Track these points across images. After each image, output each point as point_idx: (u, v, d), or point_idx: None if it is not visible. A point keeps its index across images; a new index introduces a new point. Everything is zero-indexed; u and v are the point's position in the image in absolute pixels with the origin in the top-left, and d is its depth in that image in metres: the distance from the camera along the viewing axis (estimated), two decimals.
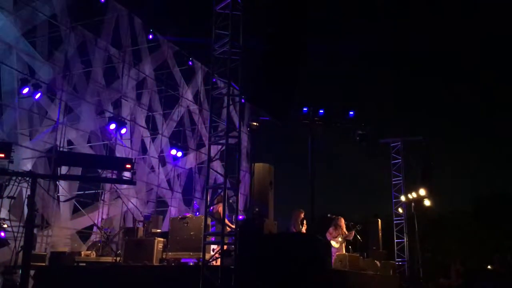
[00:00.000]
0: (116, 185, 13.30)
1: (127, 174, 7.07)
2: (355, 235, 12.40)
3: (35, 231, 10.11)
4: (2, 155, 6.25)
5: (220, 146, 8.79)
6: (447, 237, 31.04)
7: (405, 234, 19.89)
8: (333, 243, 11.83)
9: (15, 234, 6.05)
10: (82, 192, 14.75)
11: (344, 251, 11.93)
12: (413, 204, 19.14)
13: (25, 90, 12.40)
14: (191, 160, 19.28)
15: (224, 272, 7.48)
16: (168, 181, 18.06)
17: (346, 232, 12.11)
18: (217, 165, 14.56)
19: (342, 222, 12.15)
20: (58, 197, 13.41)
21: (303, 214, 11.42)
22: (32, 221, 5.82)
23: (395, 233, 20.15)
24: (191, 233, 9.03)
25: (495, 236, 30.06)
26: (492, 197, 33.77)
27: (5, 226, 10.15)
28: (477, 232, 31.88)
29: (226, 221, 8.42)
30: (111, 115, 15.09)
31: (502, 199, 33.12)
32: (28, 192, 5.97)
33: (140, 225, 11.10)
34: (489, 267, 18.55)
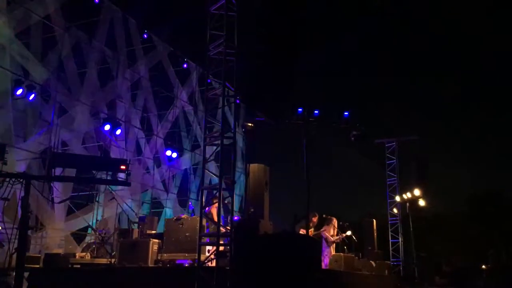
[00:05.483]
0: (111, 186, 13.25)
1: (122, 175, 7.05)
2: (349, 236, 12.44)
3: (29, 233, 10.06)
4: None
5: (215, 147, 8.77)
6: (442, 237, 31.18)
7: (400, 234, 19.97)
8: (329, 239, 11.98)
9: (9, 236, 6.01)
10: (77, 194, 14.69)
11: (334, 252, 11.95)
12: (407, 204, 19.23)
13: (19, 91, 12.34)
14: (186, 161, 19.26)
15: (219, 273, 7.48)
16: (163, 182, 18.03)
17: (338, 233, 12.20)
18: (212, 166, 14.54)
19: (335, 222, 12.21)
20: (53, 198, 13.34)
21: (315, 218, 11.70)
22: (26, 223, 5.79)
23: (390, 233, 20.22)
24: (186, 234, 9.02)
25: (490, 235, 30.23)
26: (487, 196, 33.96)
27: None
28: (472, 231, 32.05)
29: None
30: (106, 116, 15.04)
31: (496, 198, 33.33)
32: (22, 194, 5.95)
33: (135, 226, 11.07)
34: (483, 266, 18.65)
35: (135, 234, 10.53)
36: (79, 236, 14.24)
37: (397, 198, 20.19)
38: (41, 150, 13.40)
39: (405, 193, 19.72)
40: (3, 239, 9.90)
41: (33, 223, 12.12)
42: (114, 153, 15.33)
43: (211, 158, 8.88)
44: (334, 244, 12.09)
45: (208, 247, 8.89)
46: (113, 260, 9.52)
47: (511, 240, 29.35)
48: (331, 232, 12.06)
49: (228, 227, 8.16)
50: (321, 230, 12.06)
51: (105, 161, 9.43)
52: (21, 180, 6.05)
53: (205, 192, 8.87)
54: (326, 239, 11.87)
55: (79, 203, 14.55)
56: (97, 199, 14.58)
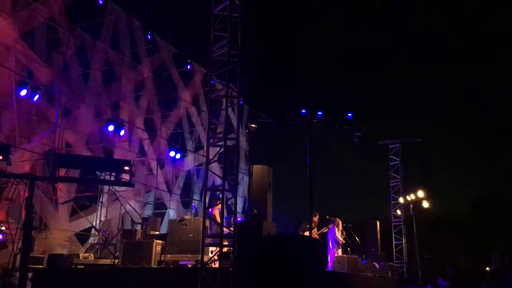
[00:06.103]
0: (115, 187, 13.27)
1: (125, 176, 7.07)
2: (351, 236, 12.49)
3: (33, 233, 10.09)
4: (0, 157, 6.26)
5: (218, 148, 8.79)
6: (446, 239, 31.08)
7: (403, 236, 19.92)
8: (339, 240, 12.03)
9: (13, 236, 6.04)
10: (81, 195, 14.72)
11: (341, 253, 11.99)
12: (411, 206, 19.18)
13: (23, 92, 12.37)
14: (189, 162, 19.27)
15: (222, 274, 7.48)
16: (167, 183, 18.05)
17: (342, 233, 12.26)
18: (216, 167, 14.55)
19: (340, 224, 12.25)
20: (56, 199, 13.38)
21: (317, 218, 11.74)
22: (30, 223, 5.82)
23: (393, 235, 20.18)
24: (190, 235, 9.03)
25: (493, 237, 30.10)
26: (490, 198, 33.86)
27: (3, 228, 10.14)
28: (475, 233, 31.94)
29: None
30: (110, 117, 15.07)
31: (499, 200, 33.22)
32: (26, 194, 5.97)
33: (139, 227, 11.09)
34: (487, 268, 18.57)
35: (139, 235, 10.56)
36: (82, 236, 14.27)
37: (401, 200, 20.16)
38: (45, 151, 13.43)
39: (409, 194, 19.68)
40: (7, 240, 9.93)
41: (37, 224, 12.15)
42: (118, 154, 15.36)
43: (215, 159, 8.89)
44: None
45: (211, 248, 8.90)
46: (116, 260, 9.55)
47: None
48: (337, 233, 12.10)
49: (231, 228, 8.16)
50: (324, 229, 12.08)
51: (108, 162, 9.48)
52: (25, 180, 6.08)
53: (208, 193, 8.87)
54: (336, 240, 11.92)
55: (82, 204, 14.58)
56: (100, 200, 14.61)
